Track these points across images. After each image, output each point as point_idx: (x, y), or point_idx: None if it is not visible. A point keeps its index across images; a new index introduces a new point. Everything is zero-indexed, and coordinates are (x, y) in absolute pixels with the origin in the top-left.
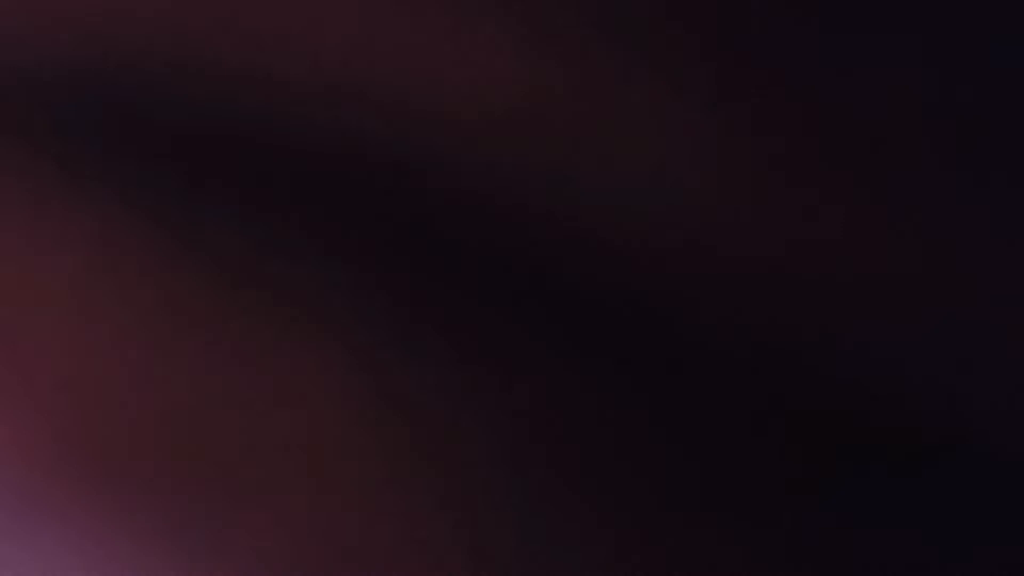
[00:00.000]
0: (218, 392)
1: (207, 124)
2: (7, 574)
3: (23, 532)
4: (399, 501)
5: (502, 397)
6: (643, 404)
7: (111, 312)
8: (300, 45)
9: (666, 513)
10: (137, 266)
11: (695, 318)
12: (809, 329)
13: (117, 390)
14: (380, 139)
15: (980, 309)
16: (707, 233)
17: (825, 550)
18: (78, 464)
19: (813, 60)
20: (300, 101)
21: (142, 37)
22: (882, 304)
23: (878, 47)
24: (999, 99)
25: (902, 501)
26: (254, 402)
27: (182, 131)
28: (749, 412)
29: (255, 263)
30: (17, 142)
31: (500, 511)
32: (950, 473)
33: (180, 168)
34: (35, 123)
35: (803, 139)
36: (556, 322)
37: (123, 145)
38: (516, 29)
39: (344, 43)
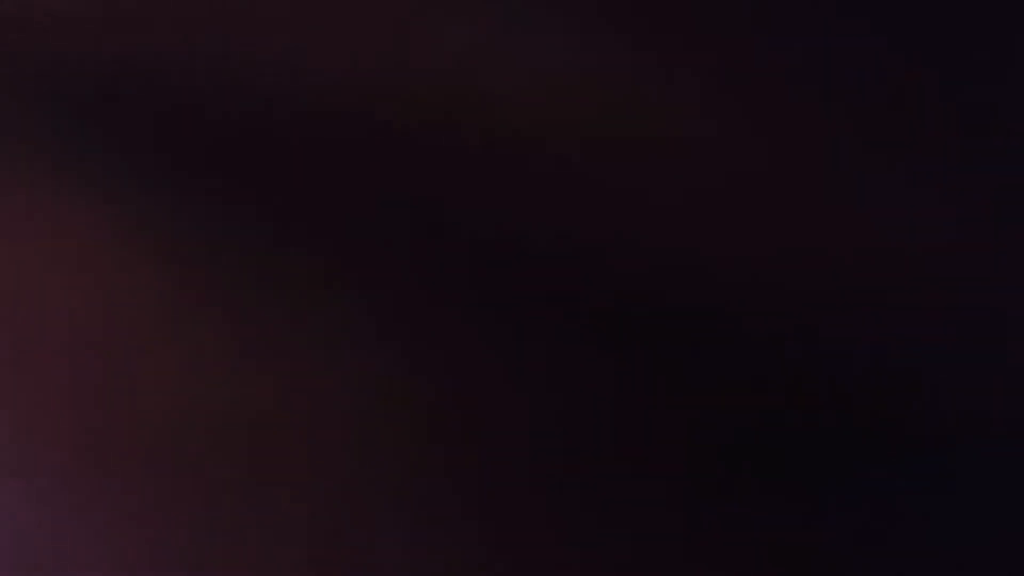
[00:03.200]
0: (217, 384)
1: (204, 118)
2: (13, 553)
3: (29, 512)
4: (406, 500)
5: (513, 394)
6: (647, 401)
7: (101, 300)
8: (299, 35)
9: (674, 509)
10: (125, 259)
11: (701, 314)
12: (813, 325)
13: (112, 378)
14: (389, 133)
15: (981, 304)
16: (716, 230)
17: (829, 542)
18: (75, 448)
19: (818, 60)
20: (300, 92)
21: (140, 30)
22: (885, 301)
23: (880, 46)
24: (999, 99)
25: (905, 494)
26: (252, 396)
27: (173, 123)
28: (752, 406)
29: (255, 257)
30: (8, 134)
31: (509, 509)
32: (951, 467)
33: (172, 161)
34: (26, 115)
35: (807, 138)
36: (562, 320)
37: (116, 138)
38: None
39: (350, 32)
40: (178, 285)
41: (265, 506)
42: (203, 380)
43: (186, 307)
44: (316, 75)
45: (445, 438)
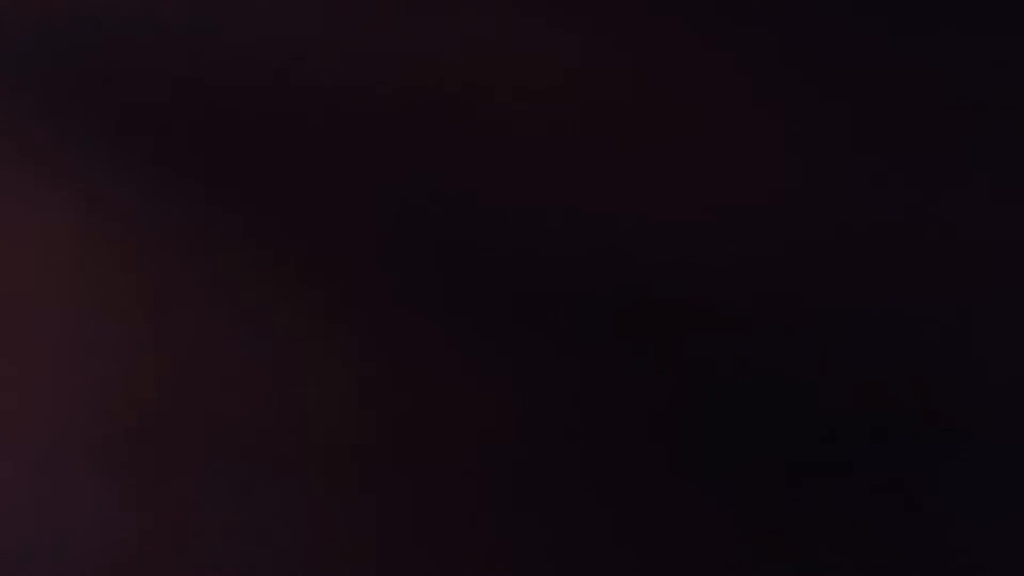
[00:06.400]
0: (217, 364)
1: (186, 113)
2: (18, 541)
3: (31, 493)
4: (406, 487)
5: (511, 386)
6: (655, 389)
7: (102, 282)
8: (288, 31)
9: (682, 501)
10: (105, 252)
11: (708, 303)
12: (825, 316)
13: (113, 358)
14: (364, 130)
15: (988, 297)
16: (722, 225)
17: (837, 527)
18: (77, 425)
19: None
20: (281, 90)
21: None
22: (893, 292)
23: (900, 42)
24: (1005, 90)
25: (910, 483)
26: (252, 379)
27: (155, 117)
28: (758, 395)
29: (238, 252)
30: (6, 116)
31: (509, 503)
32: (956, 456)
33: (154, 158)
34: (23, 98)
35: (813, 131)
36: (563, 312)
37: (112, 119)
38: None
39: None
40: (160, 279)
41: (251, 498)
42: (187, 372)
43: (167, 301)
44: (301, 72)
45: (429, 435)
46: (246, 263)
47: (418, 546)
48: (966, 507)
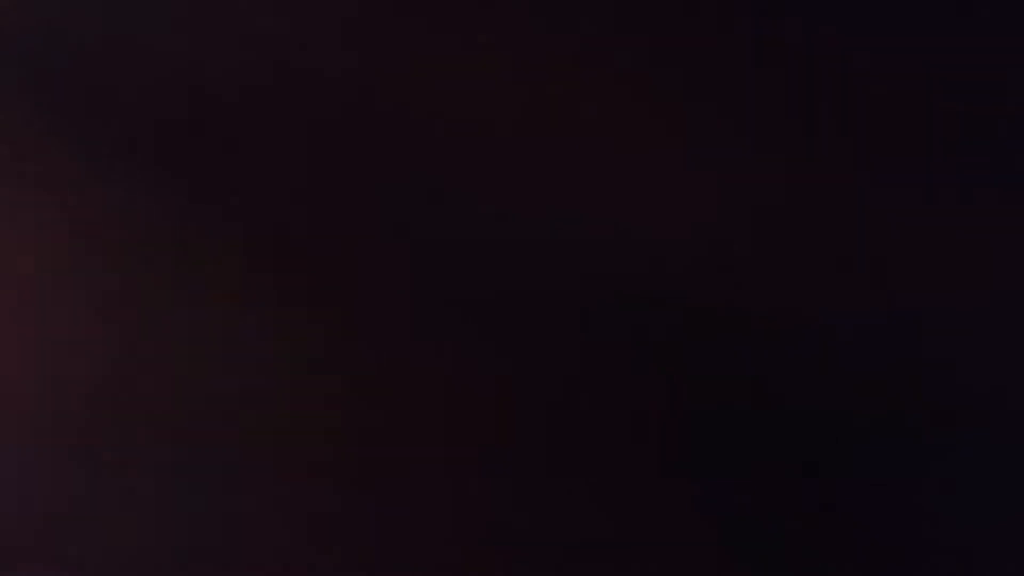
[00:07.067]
0: (215, 364)
1: (173, 113)
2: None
3: (20, 485)
4: (406, 487)
5: (505, 381)
6: (655, 389)
7: (98, 282)
8: (282, 31)
9: (682, 501)
10: (123, 238)
11: (708, 304)
12: (820, 312)
13: (113, 358)
14: (356, 130)
15: (984, 295)
16: (721, 225)
17: (836, 527)
18: (73, 424)
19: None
20: (273, 91)
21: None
22: (894, 293)
23: (894, 46)
24: (1001, 94)
25: (910, 483)
26: (251, 378)
27: (147, 118)
28: (758, 395)
29: (257, 240)
30: (5, 116)
31: (505, 501)
32: (956, 456)
33: (153, 158)
34: (22, 99)
35: (817, 137)
36: (563, 313)
37: (110, 120)
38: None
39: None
40: (156, 279)
41: (250, 497)
42: (185, 372)
43: (165, 301)
44: (301, 72)
45: (429, 435)
46: (245, 263)
47: (418, 546)
48: (966, 507)
